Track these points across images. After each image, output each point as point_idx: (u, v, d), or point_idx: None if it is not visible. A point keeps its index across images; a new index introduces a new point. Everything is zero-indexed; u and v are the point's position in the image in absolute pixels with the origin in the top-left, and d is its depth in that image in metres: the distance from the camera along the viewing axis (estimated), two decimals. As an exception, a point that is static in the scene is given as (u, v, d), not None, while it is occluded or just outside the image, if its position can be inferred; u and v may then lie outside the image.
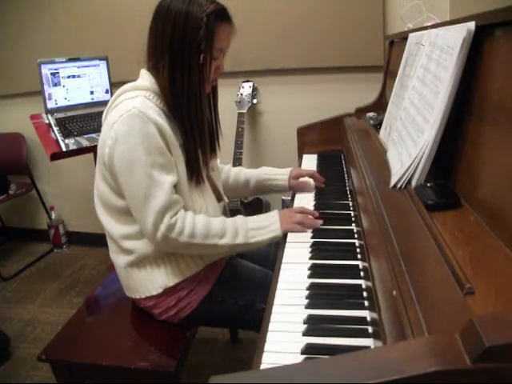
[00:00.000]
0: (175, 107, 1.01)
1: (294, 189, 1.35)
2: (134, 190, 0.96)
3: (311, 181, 1.35)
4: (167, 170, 0.97)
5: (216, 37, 0.98)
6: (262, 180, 1.35)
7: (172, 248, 1.04)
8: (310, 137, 1.78)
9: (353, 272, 0.87)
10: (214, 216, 1.11)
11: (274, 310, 0.78)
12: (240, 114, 2.07)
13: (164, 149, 0.97)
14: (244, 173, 1.37)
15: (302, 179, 1.34)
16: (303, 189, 1.33)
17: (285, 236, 1.06)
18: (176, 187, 1.01)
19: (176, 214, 0.98)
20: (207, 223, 1.01)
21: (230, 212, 1.28)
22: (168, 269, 1.07)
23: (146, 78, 1.03)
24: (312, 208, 1.19)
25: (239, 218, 1.07)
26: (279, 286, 0.86)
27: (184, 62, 0.97)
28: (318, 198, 1.26)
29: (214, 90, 1.15)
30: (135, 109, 0.94)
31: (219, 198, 1.21)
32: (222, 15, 0.99)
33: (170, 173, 0.98)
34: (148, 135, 0.94)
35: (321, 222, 1.08)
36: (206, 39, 0.96)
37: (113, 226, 1.07)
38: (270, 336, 0.72)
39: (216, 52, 1.01)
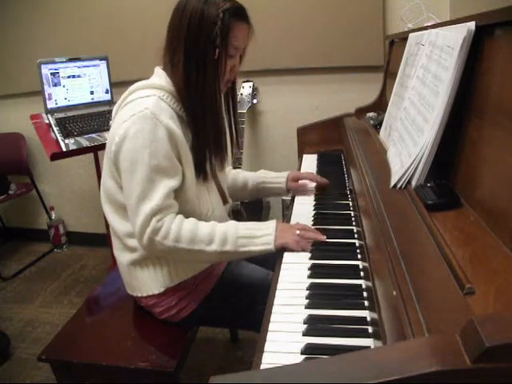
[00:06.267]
0: (190, 105, 1.01)
1: (293, 191, 1.34)
2: (132, 190, 0.95)
3: (310, 183, 1.34)
4: (170, 175, 0.96)
5: (231, 34, 0.98)
6: (259, 183, 1.34)
7: (158, 252, 1.01)
8: (310, 137, 1.78)
9: (353, 272, 0.87)
10: (220, 218, 1.11)
11: (274, 310, 0.78)
12: (240, 114, 2.07)
13: (170, 153, 0.96)
14: (242, 175, 1.36)
15: (300, 182, 1.34)
16: (302, 191, 1.33)
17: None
18: (182, 191, 1.00)
19: (164, 217, 0.96)
20: (194, 228, 0.97)
21: (231, 212, 1.28)
22: (171, 268, 1.06)
23: (161, 76, 1.03)
24: (312, 208, 1.20)
25: (231, 224, 1.01)
26: (279, 285, 0.86)
27: (199, 56, 0.97)
28: (318, 198, 1.26)
29: (233, 93, 1.14)
30: (147, 110, 0.93)
31: (225, 201, 1.20)
32: (239, 14, 1.00)
33: (173, 178, 0.97)
34: (156, 139, 0.93)
35: (324, 237, 0.99)
36: (221, 35, 0.96)
37: (118, 223, 1.06)
38: (269, 336, 0.72)
39: (231, 50, 1.01)
